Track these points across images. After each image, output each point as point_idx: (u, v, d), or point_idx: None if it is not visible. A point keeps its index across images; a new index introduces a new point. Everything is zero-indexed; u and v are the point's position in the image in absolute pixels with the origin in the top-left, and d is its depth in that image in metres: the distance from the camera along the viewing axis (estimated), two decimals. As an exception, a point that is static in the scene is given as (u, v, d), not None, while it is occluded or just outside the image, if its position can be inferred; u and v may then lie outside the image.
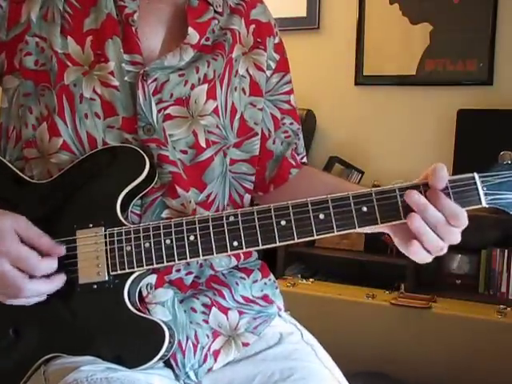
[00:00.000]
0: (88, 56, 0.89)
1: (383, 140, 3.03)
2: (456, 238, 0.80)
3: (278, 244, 0.82)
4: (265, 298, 1.01)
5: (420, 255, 0.81)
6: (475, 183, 0.80)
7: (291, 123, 1.08)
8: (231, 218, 0.83)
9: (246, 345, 0.95)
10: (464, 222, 0.79)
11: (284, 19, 2.96)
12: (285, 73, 1.06)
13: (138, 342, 0.84)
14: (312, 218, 0.81)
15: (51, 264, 0.82)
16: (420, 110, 2.95)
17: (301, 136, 1.11)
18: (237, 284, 0.98)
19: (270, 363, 0.93)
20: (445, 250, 0.81)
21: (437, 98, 2.91)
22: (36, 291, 0.81)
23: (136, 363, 0.83)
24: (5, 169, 0.91)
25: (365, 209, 0.81)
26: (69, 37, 0.89)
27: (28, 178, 0.89)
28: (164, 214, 0.89)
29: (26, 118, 0.90)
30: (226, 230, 0.83)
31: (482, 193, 0.79)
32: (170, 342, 0.83)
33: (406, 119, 2.99)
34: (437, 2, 2.88)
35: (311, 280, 2.79)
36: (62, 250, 0.84)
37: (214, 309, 0.93)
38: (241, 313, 0.96)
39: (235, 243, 0.83)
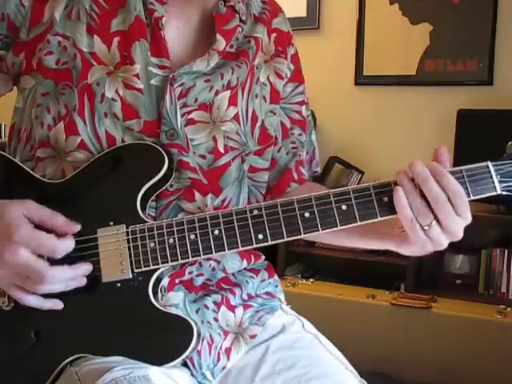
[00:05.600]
0: (114, 56, 0.89)
1: (383, 140, 3.03)
2: (455, 224, 0.79)
3: (302, 236, 0.83)
4: (267, 293, 1.03)
5: (413, 230, 0.80)
6: (489, 171, 0.81)
7: (300, 134, 1.07)
8: (255, 212, 0.83)
9: (253, 337, 0.96)
10: (463, 201, 0.78)
11: (284, 19, 2.95)
12: (299, 83, 1.07)
13: (166, 338, 0.83)
14: (335, 209, 0.82)
15: (69, 243, 0.81)
16: (420, 109, 2.95)
17: (315, 150, 1.12)
18: (247, 282, 0.99)
19: (275, 353, 0.94)
20: (444, 242, 0.80)
21: (437, 98, 2.91)
22: (59, 277, 0.80)
23: (164, 360, 0.82)
24: (20, 170, 0.90)
25: (386, 199, 0.82)
26: (95, 36, 0.89)
27: (44, 179, 0.89)
28: (179, 218, 0.89)
29: (42, 118, 0.89)
30: (251, 224, 0.83)
31: (496, 180, 0.81)
32: (197, 337, 0.83)
33: (406, 119, 2.99)
34: (437, 2, 2.88)
35: (311, 280, 2.80)
36: (76, 227, 0.83)
37: (222, 307, 0.94)
38: (245, 307, 0.97)
39: (260, 236, 0.83)
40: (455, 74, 2.87)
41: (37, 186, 0.89)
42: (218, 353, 0.92)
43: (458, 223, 0.80)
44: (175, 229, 0.84)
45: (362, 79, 3.07)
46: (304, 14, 3.13)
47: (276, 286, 1.05)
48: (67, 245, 0.81)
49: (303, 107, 1.08)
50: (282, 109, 1.05)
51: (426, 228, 0.79)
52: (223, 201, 0.94)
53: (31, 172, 0.90)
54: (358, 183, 2.99)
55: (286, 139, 1.06)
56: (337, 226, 0.82)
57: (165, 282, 0.89)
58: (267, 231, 0.83)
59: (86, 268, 0.83)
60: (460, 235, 0.81)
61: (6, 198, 0.85)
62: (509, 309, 2.42)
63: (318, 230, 0.83)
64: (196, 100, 0.91)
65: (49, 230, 0.81)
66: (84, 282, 0.83)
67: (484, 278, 2.69)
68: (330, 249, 2.94)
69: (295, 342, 0.97)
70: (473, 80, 2.84)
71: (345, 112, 3.10)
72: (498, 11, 2.79)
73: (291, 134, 1.06)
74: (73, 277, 0.82)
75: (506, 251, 2.65)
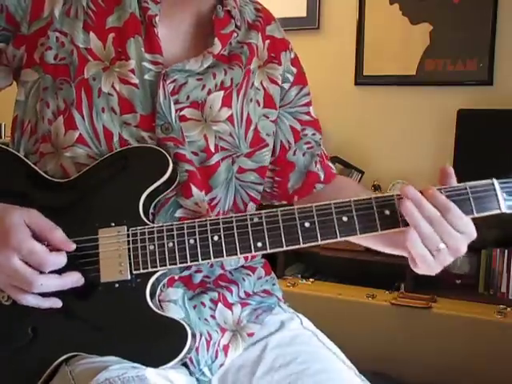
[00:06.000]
0: (109, 52, 0.90)
1: (383, 140, 3.03)
2: (458, 242, 0.79)
3: (301, 245, 0.83)
4: (265, 291, 1.03)
5: (419, 250, 0.79)
6: (494, 189, 0.81)
7: (313, 134, 1.08)
8: (255, 219, 0.83)
9: (250, 335, 0.97)
10: (458, 216, 0.79)
11: (284, 19, 2.98)
12: (303, 85, 1.07)
13: (161, 341, 0.83)
14: (335, 220, 0.82)
15: (60, 259, 0.82)
16: (420, 109, 2.95)
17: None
18: (243, 280, 1.00)
19: (274, 349, 0.95)
20: (448, 259, 0.81)
21: (437, 98, 2.91)
22: (46, 286, 0.81)
23: (158, 362, 0.82)
24: (26, 168, 0.91)
25: (387, 212, 0.82)
26: (91, 32, 0.91)
27: (49, 177, 0.90)
28: (177, 214, 0.90)
29: (43, 113, 0.91)
30: (250, 231, 0.83)
31: (501, 198, 0.80)
32: (192, 341, 0.83)
33: (406, 119, 2.99)
34: (437, 2, 2.88)
35: (311, 280, 2.80)
36: (72, 246, 0.83)
37: (219, 304, 0.95)
38: (243, 305, 0.98)
39: (259, 244, 0.83)
40: (455, 74, 2.87)
41: (42, 185, 0.90)
42: (216, 350, 0.92)
43: (459, 240, 0.80)
44: (175, 233, 0.84)
45: (361, 79, 3.07)
46: (304, 14, 3.13)
47: (273, 284, 1.06)
48: (58, 260, 0.82)
49: (311, 108, 1.09)
50: (290, 113, 1.06)
51: (434, 253, 0.79)
52: (212, 199, 0.95)
53: (37, 169, 0.91)
54: (358, 183, 2.99)
55: (298, 142, 1.06)
56: (336, 238, 0.82)
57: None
58: (266, 239, 0.83)
59: (75, 278, 0.83)
60: (463, 251, 0.81)
61: (11, 196, 0.86)
62: (509, 309, 2.42)
63: (318, 241, 0.83)
64: (188, 97, 0.92)
65: (46, 243, 0.82)
66: (82, 281, 0.84)
67: (484, 278, 2.69)
68: (329, 249, 2.94)
69: (294, 338, 0.98)
70: (473, 80, 2.84)
71: (345, 112, 3.10)
72: (498, 11, 2.79)
73: (304, 136, 1.07)
74: (62, 285, 0.82)
75: (506, 251, 2.65)
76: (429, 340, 2.39)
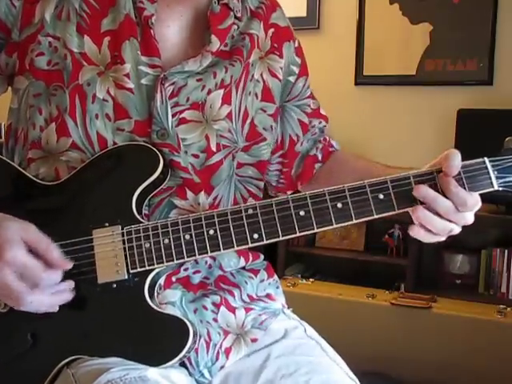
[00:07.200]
0: (104, 56, 0.88)
1: (383, 140, 3.03)
2: (468, 220, 0.81)
3: (298, 234, 0.83)
4: (268, 296, 1.02)
5: (425, 238, 0.82)
6: (486, 167, 0.81)
7: (320, 122, 1.09)
8: (250, 211, 0.83)
9: (254, 340, 0.96)
10: (472, 205, 0.80)
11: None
12: (307, 76, 1.07)
13: (162, 339, 0.83)
14: (330, 207, 0.82)
15: (55, 276, 0.81)
16: (420, 109, 2.94)
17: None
18: (246, 283, 0.98)
19: (277, 359, 0.94)
20: (457, 230, 0.82)
21: (437, 98, 2.91)
22: (37, 304, 0.80)
23: (161, 360, 0.82)
24: (15, 173, 0.90)
25: (381, 196, 0.82)
26: (85, 36, 0.89)
27: (40, 181, 0.88)
28: (172, 214, 0.89)
29: (34, 119, 0.89)
30: (246, 223, 0.83)
31: (493, 176, 0.80)
32: (194, 338, 0.83)
33: (406, 119, 2.98)
34: (437, 2, 2.88)
35: (311, 280, 2.80)
36: (68, 265, 0.82)
37: (222, 308, 0.93)
38: (247, 310, 0.97)
39: (255, 235, 0.83)
40: (455, 74, 2.86)
41: (33, 189, 0.89)
42: (218, 352, 0.91)
43: (469, 219, 0.82)
44: (170, 229, 0.83)
45: (361, 79, 3.06)
46: (304, 14, 3.12)
47: (277, 288, 1.04)
48: (53, 277, 0.81)
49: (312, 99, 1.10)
50: (297, 106, 1.06)
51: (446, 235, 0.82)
52: (215, 199, 0.94)
53: (27, 174, 0.89)
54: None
55: (306, 133, 1.07)
56: (332, 225, 0.82)
57: (161, 280, 0.88)
58: (262, 230, 0.83)
59: (64, 297, 0.83)
60: (472, 220, 0.82)
61: (2, 202, 0.85)
62: (509, 309, 2.42)
63: (314, 229, 0.82)
64: (188, 99, 0.90)
65: (42, 258, 0.81)
66: (66, 301, 0.83)
67: (484, 278, 2.69)
68: (330, 249, 2.94)
69: (297, 347, 0.96)
70: (473, 80, 2.84)
71: (345, 112, 3.09)
72: (498, 11, 2.78)
73: (312, 127, 1.08)
74: (51, 305, 0.82)
75: (506, 251, 2.65)
76: (429, 340, 2.39)
